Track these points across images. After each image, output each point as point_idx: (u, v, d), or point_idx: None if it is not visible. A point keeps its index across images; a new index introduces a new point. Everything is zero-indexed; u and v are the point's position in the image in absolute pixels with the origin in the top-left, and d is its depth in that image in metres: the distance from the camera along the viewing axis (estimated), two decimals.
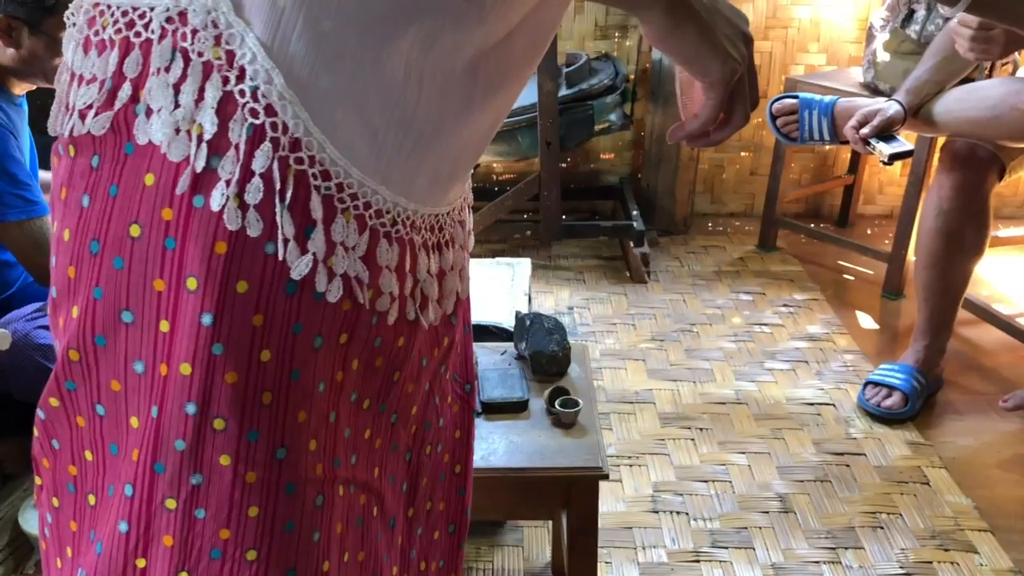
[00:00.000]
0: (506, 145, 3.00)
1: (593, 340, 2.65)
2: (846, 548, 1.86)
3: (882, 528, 1.92)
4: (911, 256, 2.78)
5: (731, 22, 0.76)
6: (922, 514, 1.95)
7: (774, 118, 2.27)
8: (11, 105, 1.77)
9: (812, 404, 2.35)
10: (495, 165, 3.40)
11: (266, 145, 0.66)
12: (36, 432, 0.80)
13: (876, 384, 2.32)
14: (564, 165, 3.30)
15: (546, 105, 2.84)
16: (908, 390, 2.27)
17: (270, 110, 0.65)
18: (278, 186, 0.66)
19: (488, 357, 1.66)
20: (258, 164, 0.66)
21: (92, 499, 0.78)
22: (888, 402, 2.28)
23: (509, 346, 1.70)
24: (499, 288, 2.24)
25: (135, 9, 0.67)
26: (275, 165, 0.66)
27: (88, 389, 0.74)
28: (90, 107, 0.69)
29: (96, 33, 0.69)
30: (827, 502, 1.99)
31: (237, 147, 0.65)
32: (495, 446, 1.44)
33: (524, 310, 2.05)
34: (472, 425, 1.02)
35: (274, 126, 0.66)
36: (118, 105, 0.67)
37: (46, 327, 1.75)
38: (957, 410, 2.34)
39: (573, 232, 3.15)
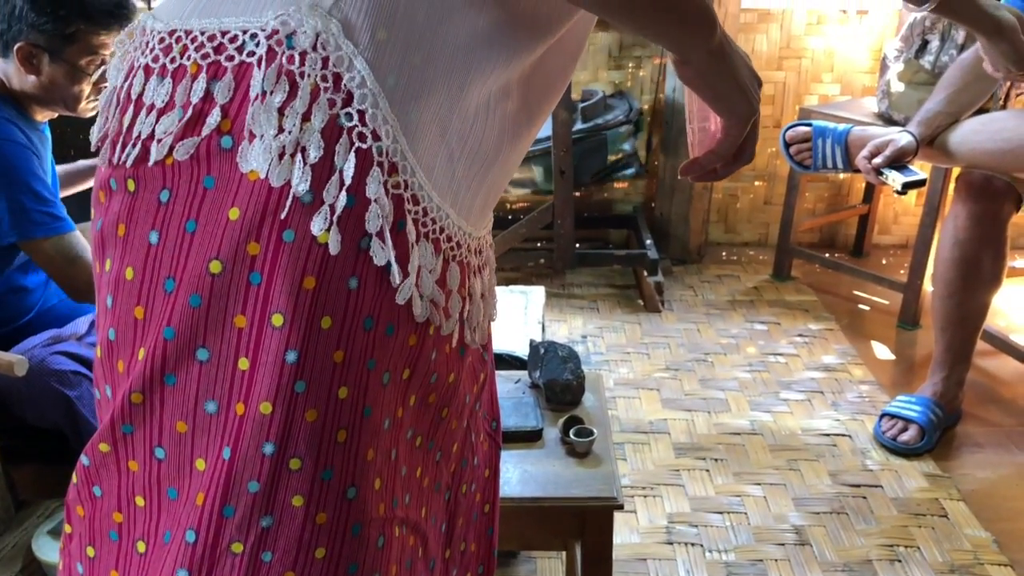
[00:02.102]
0: (520, 176, 3.01)
1: (607, 369, 2.64)
2: None
3: (900, 561, 1.89)
4: (927, 286, 2.77)
5: (747, 64, 0.79)
6: (940, 547, 1.93)
7: (788, 145, 2.27)
8: (34, 131, 1.80)
9: (828, 435, 2.33)
10: (508, 194, 3.41)
11: (375, 170, 0.65)
12: (74, 479, 0.78)
13: (892, 416, 2.30)
14: (578, 194, 3.31)
15: (560, 135, 2.85)
16: (925, 423, 2.25)
17: (375, 135, 0.65)
18: (385, 211, 0.66)
19: (502, 386, 1.65)
20: (371, 191, 0.65)
21: (142, 546, 0.75)
22: (904, 436, 2.25)
23: (523, 375, 1.70)
24: (513, 316, 2.24)
25: (224, 33, 0.65)
26: (381, 190, 0.66)
27: (147, 432, 0.72)
28: (169, 134, 0.66)
29: (172, 60, 0.67)
30: (843, 534, 1.97)
31: (341, 172, 0.65)
32: (509, 475, 1.43)
33: (538, 338, 2.05)
34: (499, 463, 1.02)
35: (379, 151, 0.66)
36: (205, 131, 0.65)
37: (62, 353, 1.75)
38: (976, 442, 2.31)
39: (587, 260, 3.15)
